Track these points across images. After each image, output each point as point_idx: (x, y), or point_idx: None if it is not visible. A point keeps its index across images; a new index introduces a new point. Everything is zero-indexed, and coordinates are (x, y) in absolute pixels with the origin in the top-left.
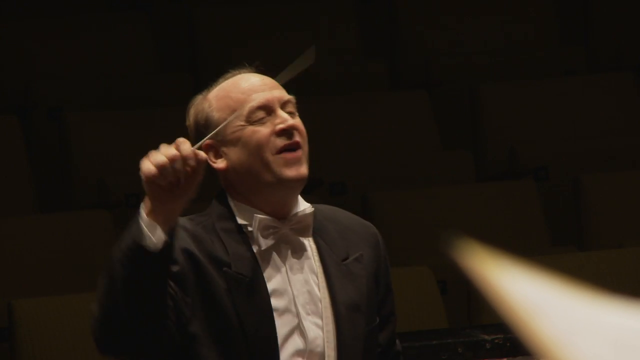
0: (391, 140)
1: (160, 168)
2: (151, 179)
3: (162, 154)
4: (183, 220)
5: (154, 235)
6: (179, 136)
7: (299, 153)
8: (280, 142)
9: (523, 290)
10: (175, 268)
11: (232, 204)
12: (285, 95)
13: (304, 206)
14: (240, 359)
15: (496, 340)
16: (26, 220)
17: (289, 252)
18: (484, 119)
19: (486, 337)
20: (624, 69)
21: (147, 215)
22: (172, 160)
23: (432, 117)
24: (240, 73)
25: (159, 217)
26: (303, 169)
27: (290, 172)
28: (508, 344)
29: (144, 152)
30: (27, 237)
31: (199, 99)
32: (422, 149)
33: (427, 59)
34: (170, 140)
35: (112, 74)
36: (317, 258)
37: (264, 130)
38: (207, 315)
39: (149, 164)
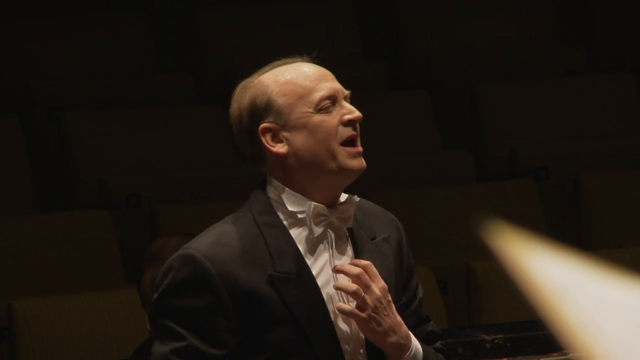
0: (391, 140)
1: None
2: None
3: None
4: (222, 231)
5: None
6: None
7: (360, 148)
8: (347, 132)
9: (551, 272)
10: (212, 299)
11: (279, 190)
12: (345, 90)
13: (344, 196)
14: (302, 353)
15: (496, 340)
16: (26, 220)
17: (333, 239)
18: (484, 119)
19: (486, 337)
20: (624, 69)
21: None
22: None
23: (432, 117)
24: (294, 61)
25: None
26: (364, 162)
27: (354, 163)
28: (508, 344)
29: (143, 152)
30: (27, 237)
31: (251, 82)
32: (422, 149)
33: (427, 59)
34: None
35: (112, 74)
36: (349, 240)
37: (332, 120)
38: (261, 329)
39: None
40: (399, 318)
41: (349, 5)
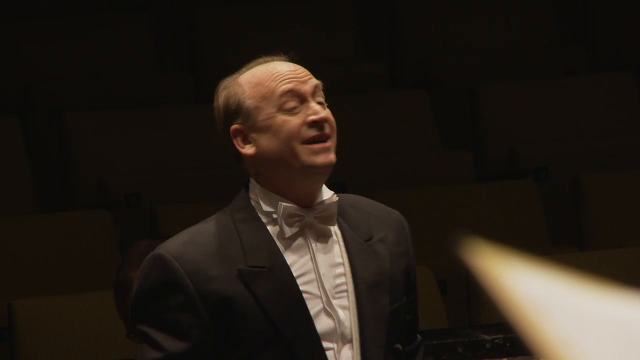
0: (391, 140)
1: None
2: None
3: None
4: (197, 231)
5: None
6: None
7: (327, 144)
8: (311, 132)
9: (529, 289)
10: (181, 298)
11: (257, 191)
12: (314, 80)
13: (327, 195)
14: (280, 349)
15: (496, 340)
16: (26, 220)
17: (314, 238)
18: (484, 119)
19: (486, 337)
20: (624, 69)
21: None
22: None
23: (432, 117)
24: (273, 60)
25: None
26: (331, 156)
27: (318, 159)
28: (508, 344)
29: (143, 152)
30: (27, 237)
31: (230, 81)
32: (422, 149)
33: (427, 59)
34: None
35: (112, 74)
36: (341, 242)
37: (295, 120)
38: (234, 325)
39: None
40: None
41: (349, 5)
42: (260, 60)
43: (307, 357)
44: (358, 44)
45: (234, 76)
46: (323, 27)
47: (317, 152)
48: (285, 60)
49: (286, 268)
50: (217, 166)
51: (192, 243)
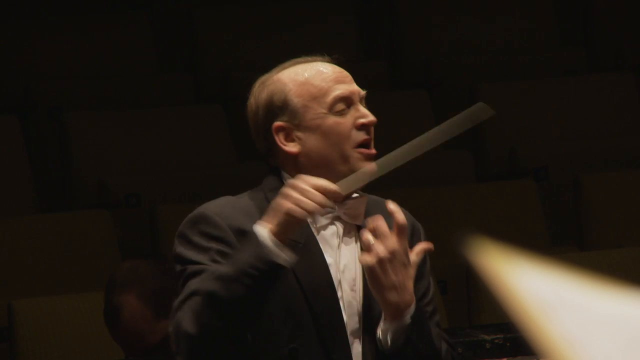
0: (391, 140)
1: (311, 213)
2: (298, 220)
3: (312, 200)
4: (233, 198)
5: (284, 253)
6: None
7: (374, 151)
8: (360, 136)
9: (533, 287)
10: (227, 248)
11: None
12: (362, 90)
13: (354, 194)
14: (303, 314)
15: (496, 340)
16: (26, 220)
17: (342, 232)
18: (484, 119)
19: (486, 337)
20: (624, 69)
21: (274, 235)
22: (321, 206)
23: (432, 117)
24: (314, 61)
25: (283, 238)
26: (375, 165)
27: (368, 167)
28: (508, 344)
29: (143, 152)
30: (27, 237)
31: (269, 78)
32: None
33: (427, 59)
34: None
35: (112, 74)
36: (358, 238)
37: (346, 123)
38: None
39: (298, 209)
40: (410, 284)
41: (349, 5)
42: (300, 59)
43: (330, 330)
44: (358, 44)
45: (272, 74)
46: (323, 27)
47: (368, 159)
48: (328, 61)
49: (319, 249)
50: (217, 166)
51: (232, 206)
